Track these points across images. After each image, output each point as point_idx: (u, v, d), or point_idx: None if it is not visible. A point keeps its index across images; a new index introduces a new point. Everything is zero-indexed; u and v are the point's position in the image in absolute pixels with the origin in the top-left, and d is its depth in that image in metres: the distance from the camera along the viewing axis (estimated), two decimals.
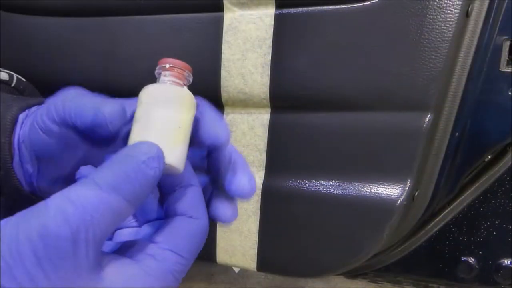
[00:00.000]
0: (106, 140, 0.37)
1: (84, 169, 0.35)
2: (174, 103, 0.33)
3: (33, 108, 0.40)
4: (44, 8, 0.68)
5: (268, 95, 0.61)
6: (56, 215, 0.25)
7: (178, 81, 0.34)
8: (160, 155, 0.30)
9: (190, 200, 0.34)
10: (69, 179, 0.38)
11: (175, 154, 0.32)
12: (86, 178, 0.27)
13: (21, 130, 0.38)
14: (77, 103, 0.34)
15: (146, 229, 0.35)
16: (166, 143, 0.31)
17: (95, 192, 0.26)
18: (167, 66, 0.34)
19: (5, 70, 0.60)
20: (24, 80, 0.62)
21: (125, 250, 0.31)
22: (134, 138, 0.32)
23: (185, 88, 0.35)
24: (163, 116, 0.32)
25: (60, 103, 0.35)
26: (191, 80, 0.35)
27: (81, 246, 0.25)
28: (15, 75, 0.61)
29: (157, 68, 0.35)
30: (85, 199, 0.26)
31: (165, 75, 0.34)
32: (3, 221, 0.25)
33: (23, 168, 0.39)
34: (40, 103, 0.41)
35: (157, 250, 0.30)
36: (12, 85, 0.61)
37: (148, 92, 0.33)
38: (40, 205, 0.26)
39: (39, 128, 0.36)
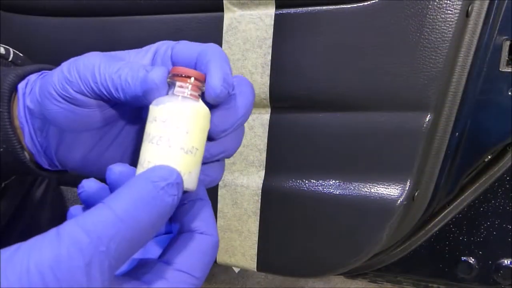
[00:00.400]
0: (134, 111, 0.37)
1: (74, 209, 0.33)
2: (193, 123, 0.30)
3: (32, 76, 0.38)
4: (44, 8, 0.68)
5: (268, 95, 0.61)
6: (70, 246, 0.24)
7: (195, 93, 0.31)
8: (179, 182, 0.28)
9: (202, 215, 0.32)
10: (92, 151, 0.38)
11: (192, 178, 0.31)
12: (102, 203, 0.26)
13: (28, 99, 0.37)
14: (116, 70, 0.33)
15: (155, 245, 0.34)
16: (183, 167, 0.30)
17: (112, 220, 0.25)
18: (184, 76, 0.31)
19: (2, 45, 0.60)
20: (21, 54, 0.62)
21: (137, 271, 0.30)
22: (147, 158, 0.30)
23: (201, 102, 0.32)
24: (181, 136, 0.30)
25: (90, 70, 0.33)
26: (204, 89, 0.32)
27: (95, 278, 0.24)
28: (11, 50, 0.61)
29: (170, 75, 0.32)
30: (101, 229, 0.24)
31: (181, 87, 0.31)
32: (15, 247, 0.24)
33: (38, 142, 0.38)
34: (38, 70, 0.40)
35: (170, 272, 0.29)
36: (10, 59, 0.60)
37: (164, 109, 0.30)
38: (52, 233, 0.24)
39: (60, 97, 0.34)
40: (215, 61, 0.32)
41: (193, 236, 0.32)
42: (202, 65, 0.32)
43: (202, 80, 0.31)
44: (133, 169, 0.31)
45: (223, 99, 0.32)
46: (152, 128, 0.31)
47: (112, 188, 0.31)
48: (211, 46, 0.33)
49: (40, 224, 0.63)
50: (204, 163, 0.34)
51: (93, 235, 0.24)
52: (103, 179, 0.32)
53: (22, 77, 0.39)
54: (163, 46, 0.36)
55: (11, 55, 0.62)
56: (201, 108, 0.31)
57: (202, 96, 0.32)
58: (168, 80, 0.32)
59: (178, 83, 0.31)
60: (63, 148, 0.38)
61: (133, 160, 0.38)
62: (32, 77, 0.38)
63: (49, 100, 0.35)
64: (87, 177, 0.33)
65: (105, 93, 0.33)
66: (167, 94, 0.32)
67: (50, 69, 0.39)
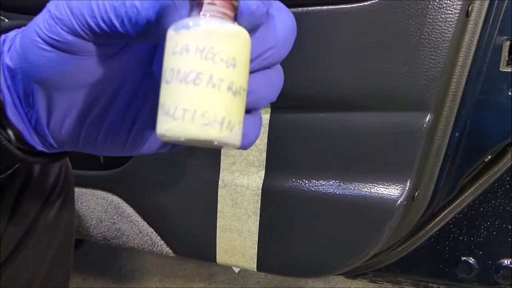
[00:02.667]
0: (143, 62, 0.29)
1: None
2: (240, 52, 0.23)
3: (12, 33, 0.30)
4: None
5: None
6: None
7: (229, 12, 0.23)
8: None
9: None
10: (92, 117, 0.30)
11: (240, 130, 0.24)
12: None
13: (7, 57, 0.28)
14: None
15: None
16: (234, 115, 0.23)
17: None
18: None
19: None
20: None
21: None
22: (182, 104, 0.22)
23: (238, 25, 0.23)
24: (228, 72, 0.22)
25: (85, 2, 0.25)
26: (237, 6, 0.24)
27: None
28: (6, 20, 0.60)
29: None
30: None
31: (211, 3, 0.23)
32: None
33: (24, 113, 0.30)
34: (19, 26, 0.31)
35: None
36: None
37: (201, 33, 0.22)
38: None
39: (46, 43, 0.26)
40: None
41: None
42: None
43: None
44: None
45: (260, 21, 0.24)
46: (182, 61, 0.22)
47: None
48: None
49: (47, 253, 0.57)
50: None
51: None
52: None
53: None
54: None
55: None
56: (245, 32, 0.23)
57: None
58: None
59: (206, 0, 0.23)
60: (56, 116, 0.30)
61: (148, 128, 0.31)
62: (12, 33, 0.30)
63: (32, 49, 0.26)
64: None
65: (107, 28, 0.25)
66: (188, 16, 0.24)
67: None
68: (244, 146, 0.28)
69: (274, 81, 0.28)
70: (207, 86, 0.22)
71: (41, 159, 0.34)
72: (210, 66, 0.22)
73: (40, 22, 0.26)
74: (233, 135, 0.23)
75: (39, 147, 0.32)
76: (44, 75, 0.27)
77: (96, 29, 0.25)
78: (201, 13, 0.23)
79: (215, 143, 0.22)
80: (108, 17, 0.25)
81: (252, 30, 0.24)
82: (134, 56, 0.29)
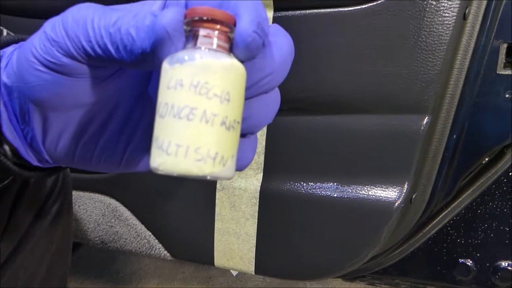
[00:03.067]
0: (138, 84, 0.29)
1: None
2: (234, 86, 0.23)
3: (9, 48, 0.30)
4: (43, 10, 0.68)
5: None
6: None
7: (225, 45, 0.23)
8: None
9: None
10: (87, 136, 0.30)
11: (234, 162, 0.24)
12: None
13: (4, 74, 0.28)
14: (115, 21, 0.24)
15: None
16: (227, 150, 0.23)
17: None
18: (210, 20, 0.23)
19: None
20: (13, 34, 0.61)
21: None
22: (175, 140, 0.22)
23: (233, 57, 0.23)
24: (222, 107, 0.22)
25: (81, 25, 0.25)
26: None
27: None
28: (4, 30, 0.60)
29: (187, 20, 0.23)
30: None
31: (207, 36, 0.23)
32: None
33: (21, 129, 0.30)
34: (17, 41, 0.31)
35: None
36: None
37: (196, 67, 0.22)
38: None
39: (42, 64, 0.26)
40: (246, 2, 0.24)
41: None
42: (229, 9, 0.24)
43: (231, 25, 0.23)
44: None
45: (256, 53, 0.24)
46: (175, 96, 0.22)
47: None
48: None
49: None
50: None
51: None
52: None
53: None
54: None
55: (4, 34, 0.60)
56: (240, 65, 0.23)
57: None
58: (185, 27, 0.23)
59: (202, 31, 0.23)
60: (51, 135, 0.30)
61: (143, 147, 0.31)
62: (9, 49, 0.30)
63: (28, 69, 0.26)
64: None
65: (102, 53, 0.25)
66: (184, 47, 0.23)
67: None
68: (239, 169, 0.29)
69: (271, 104, 0.28)
70: (200, 122, 0.22)
71: (36, 173, 0.34)
72: (204, 102, 0.22)
73: (36, 42, 0.26)
74: (226, 169, 0.23)
75: (35, 162, 0.32)
76: (39, 95, 0.27)
77: (92, 53, 0.25)
78: (196, 46, 0.23)
79: (208, 177, 0.23)
80: (104, 43, 0.25)
81: (248, 61, 0.24)
82: (130, 78, 0.29)
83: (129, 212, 0.76)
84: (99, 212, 0.78)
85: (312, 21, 0.57)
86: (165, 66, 0.23)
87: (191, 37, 0.23)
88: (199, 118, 0.22)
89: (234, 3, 0.24)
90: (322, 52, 0.58)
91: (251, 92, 0.26)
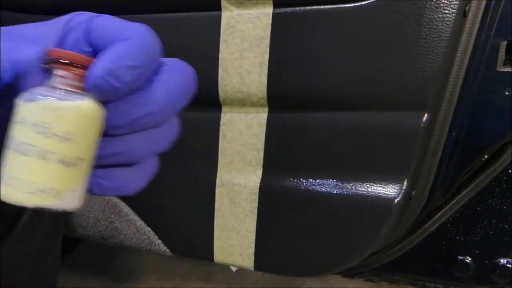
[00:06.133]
0: None
1: None
2: (78, 128, 0.24)
3: None
4: (44, 6, 0.68)
5: (266, 94, 0.61)
6: None
7: (79, 84, 0.24)
8: None
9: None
10: None
11: (75, 195, 0.25)
12: None
13: None
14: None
15: None
16: (63, 184, 0.24)
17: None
18: (67, 63, 0.24)
19: None
20: None
21: None
22: (15, 174, 0.24)
23: (89, 98, 0.24)
24: (60, 146, 0.23)
25: None
26: None
27: None
28: None
29: (46, 59, 0.25)
30: None
31: (62, 76, 0.24)
32: None
33: None
34: None
35: None
36: None
37: (35, 108, 0.23)
38: None
39: None
40: (122, 43, 0.25)
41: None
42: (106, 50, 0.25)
43: (88, 67, 0.25)
44: None
45: (108, 95, 0.25)
46: (19, 132, 0.23)
47: None
48: (138, 26, 0.27)
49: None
50: (105, 166, 0.27)
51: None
52: None
53: None
54: (78, 18, 0.29)
55: None
56: (89, 106, 0.24)
57: None
58: (45, 65, 0.25)
59: (57, 71, 0.24)
60: None
61: None
62: None
63: None
64: None
65: None
66: (41, 84, 0.25)
67: None
68: (125, 194, 0.29)
69: (160, 137, 0.29)
70: (37, 159, 0.23)
71: None
72: (42, 140, 0.23)
73: None
74: (63, 202, 0.24)
75: None
76: None
77: None
78: (51, 85, 0.24)
79: (48, 209, 0.24)
80: None
81: (106, 102, 0.25)
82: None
83: (129, 208, 0.76)
84: (98, 208, 0.78)
85: (311, 17, 0.57)
86: (18, 101, 0.24)
87: (50, 75, 0.24)
88: (36, 155, 0.23)
89: (115, 43, 0.25)
90: (321, 49, 0.58)
91: (129, 129, 0.26)
